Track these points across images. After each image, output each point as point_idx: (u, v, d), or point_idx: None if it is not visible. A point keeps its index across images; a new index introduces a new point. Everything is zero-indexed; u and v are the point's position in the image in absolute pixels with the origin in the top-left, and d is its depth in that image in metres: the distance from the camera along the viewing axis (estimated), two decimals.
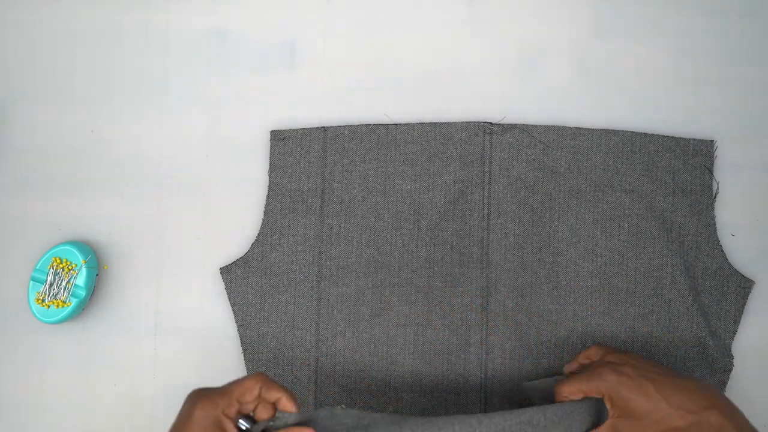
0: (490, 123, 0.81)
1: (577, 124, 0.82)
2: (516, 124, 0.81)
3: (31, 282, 0.79)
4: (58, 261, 0.79)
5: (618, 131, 0.80)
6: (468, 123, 0.81)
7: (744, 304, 0.80)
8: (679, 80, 0.82)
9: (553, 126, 0.81)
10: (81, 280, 0.79)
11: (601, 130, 0.80)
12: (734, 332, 0.80)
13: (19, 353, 0.82)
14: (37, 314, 0.79)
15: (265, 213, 0.81)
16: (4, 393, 0.82)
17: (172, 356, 0.82)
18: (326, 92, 0.83)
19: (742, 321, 0.80)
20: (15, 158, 0.83)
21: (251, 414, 0.63)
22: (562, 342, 0.80)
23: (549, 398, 0.72)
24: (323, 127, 0.81)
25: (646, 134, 0.80)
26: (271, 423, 0.62)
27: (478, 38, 0.83)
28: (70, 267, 0.79)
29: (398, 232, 0.81)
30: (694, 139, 0.81)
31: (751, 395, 0.78)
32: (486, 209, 0.80)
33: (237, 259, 0.81)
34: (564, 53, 0.83)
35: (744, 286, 0.80)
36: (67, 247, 0.79)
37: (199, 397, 0.61)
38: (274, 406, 0.63)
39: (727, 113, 0.82)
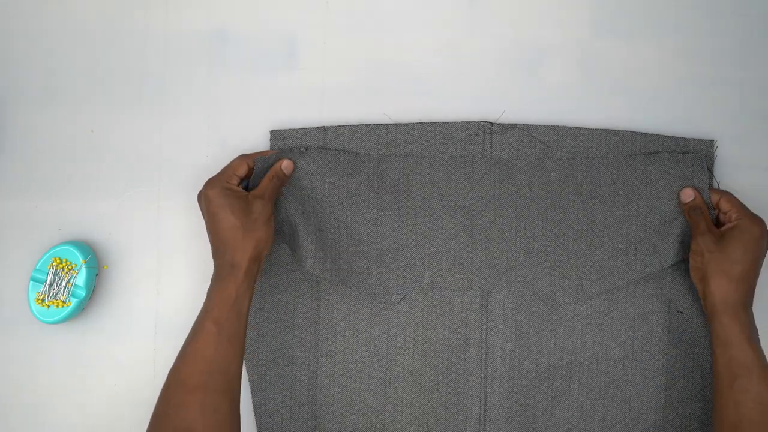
0: (490, 123, 0.81)
1: (577, 124, 0.82)
2: (516, 124, 0.81)
3: (31, 282, 0.79)
4: (58, 261, 0.79)
5: (618, 131, 0.80)
6: (468, 123, 0.81)
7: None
8: (679, 80, 0.82)
9: (553, 126, 0.81)
10: (81, 280, 0.79)
11: (601, 130, 0.80)
12: None
13: (19, 353, 0.82)
14: (37, 314, 0.79)
15: None
16: (4, 393, 0.82)
17: (172, 356, 0.82)
18: (326, 92, 0.83)
19: None
20: (15, 158, 0.83)
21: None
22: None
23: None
24: (323, 127, 0.81)
25: (645, 134, 0.80)
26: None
27: (478, 38, 0.83)
28: (70, 267, 0.79)
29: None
30: (694, 139, 0.80)
31: None
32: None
33: None
34: (564, 53, 0.83)
35: None
36: (67, 247, 0.79)
37: (205, 185, 0.74)
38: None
39: (727, 113, 0.82)
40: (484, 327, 0.79)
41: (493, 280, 0.80)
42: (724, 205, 0.76)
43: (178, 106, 0.83)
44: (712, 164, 0.80)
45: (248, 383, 0.81)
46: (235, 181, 0.76)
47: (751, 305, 0.73)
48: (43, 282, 0.79)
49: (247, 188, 0.78)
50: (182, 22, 0.83)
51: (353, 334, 0.80)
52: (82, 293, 0.79)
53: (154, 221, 0.82)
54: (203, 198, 0.74)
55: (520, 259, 0.80)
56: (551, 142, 0.80)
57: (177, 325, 0.82)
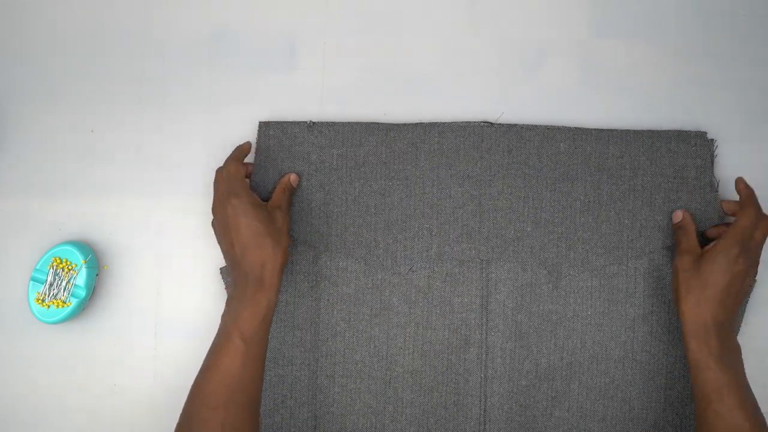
0: (490, 122, 0.81)
1: (576, 124, 0.82)
2: (515, 124, 0.81)
3: (31, 282, 0.79)
4: (58, 261, 0.79)
5: (615, 130, 0.80)
6: (468, 123, 0.81)
7: (745, 304, 0.80)
8: (678, 80, 0.82)
9: (552, 126, 0.81)
10: (81, 280, 0.79)
11: (598, 129, 0.80)
12: (736, 332, 0.79)
13: (19, 353, 0.82)
14: (37, 314, 0.79)
15: None
16: (4, 393, 0.82)
17: (172, 356, 0.82)
18: (326, 92, 0.83)
19: (743, 321, 0.80)
20: (15, 158, 0.83)
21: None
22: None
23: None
24: (312, 122, 0.81)
25: (644, 130, 0.80)
26: None
27: (478, 38, 0.83)
28: (70, 267, 0.79)
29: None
30: (694, 132, 0.80)
31: None
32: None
33: None
34: (564, 53, 0.83)
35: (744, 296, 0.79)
36: (67, 247, 0.79)
37: (228, 194, 0.72)
38: None
39: (728, 113, 0.82)
40: (484, 327, 0.79)
41: (500, 249, 0.80)
42: (712, 233, 0.77)
43: (178, 106, 0.83)
44: (713, 161, 0.80)
45: None
46: (244, 170, 0.77)
47: (729, 326, 0.72)
48: (43, 282, 0.79)
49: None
50: (182, 22, 0.83)
51: (353, 335, 0.80)
52: (82, 293, 0.79)
53: (154, 221, 0.82)
54: (229, 207, 0.72)
55: (528, 229, 0.80)
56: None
57: (177, 325, 0.82)
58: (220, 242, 0.75)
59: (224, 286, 0.81)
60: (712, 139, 0.81)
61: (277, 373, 0.80)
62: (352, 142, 0.80)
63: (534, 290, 0.80)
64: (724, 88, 0.82)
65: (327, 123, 0.81)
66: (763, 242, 0.75)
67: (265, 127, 0.81)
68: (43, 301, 0.79)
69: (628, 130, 0.80)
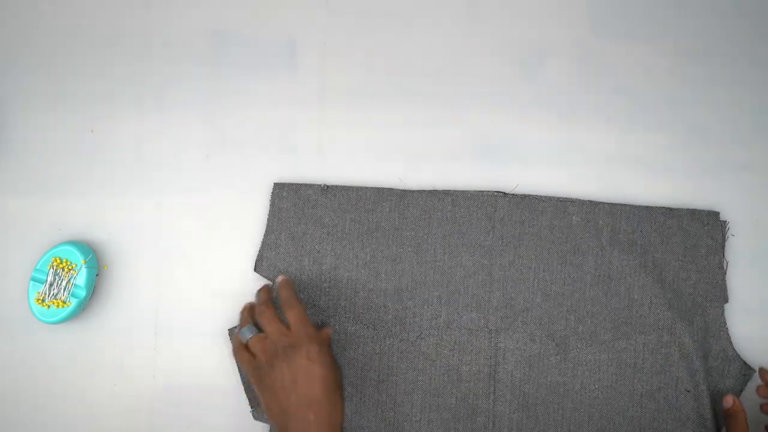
0: (503, 192, 0.81)
1: (576, 124, 0.82)
2: (527, 195, 0.81)
3: (31, 282, 0.79)
4: (58, 261, 0.79)
5: (627, 205, 0.80)
6: (481, 192, 0.81)
7: (742, 390, 0.79)
8: (678, 80, 0.82)
9: (566, 199, 0.80)
10: (81, 280, 0.79)
11: (609, 203, 0.80)
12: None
13: (19, 353, 0.82)
14: (37, 314, 0.79)
15: (274, 274, 0.80)
16: (4, 393, 0.82)
17: (172, 356, 0.82)
18: (326, 92, 0.83)
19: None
20: (15, 158, 0.83)
21: None
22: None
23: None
24: (326, 185, 0.81)
25: (656, 207, 0.80)
26: None
27: (478, 38, 0.83)
28: (70, 267, 0.79)
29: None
30: (707, 212, 0.80)
31: None
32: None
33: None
34: (564, 53, 0.83)
35: (744, 372, 0.79)
36: (67, 247, 0.79)
37: (308, 339, 0.67)
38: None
39: (728, 113, 0.82)
40: (492, 396, 0.79)
41: (509, 320, 0.80)
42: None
43: (178, 106, 0.83)
44: (724, 242, 0.80)
45: None
46: None
47: None
48: (44, 282, 0.79)
49: None
50: (182, 22, 0.83)
51: (360, 399, 0.80)
52: (82, 293, 0.79)
53: (154, 221, 0.82)
54: (306, 352, 0.66)
55: (537, 300, 0.80)
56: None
57: (177, 326, 0.82)
58: (272, 397, 0.67)
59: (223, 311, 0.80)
60: (724, 221, 0.80)
61: None
62: (366, 207, 0.81)
63: (542, 361, 0.79)
64: (724, 88, 0.82)
65: (341, 187, 0.81)
66: None
67: (278, 188, 0.81)
68: (43, 301, 0.79)
69: (641, 206, 0.80)
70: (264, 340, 0.70)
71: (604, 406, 0.79)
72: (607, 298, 0.80)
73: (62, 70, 0.83)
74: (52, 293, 0.79)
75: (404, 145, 0.83)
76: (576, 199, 0.81)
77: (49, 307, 0.79)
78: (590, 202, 0.80)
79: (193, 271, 0.82)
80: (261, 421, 0.79)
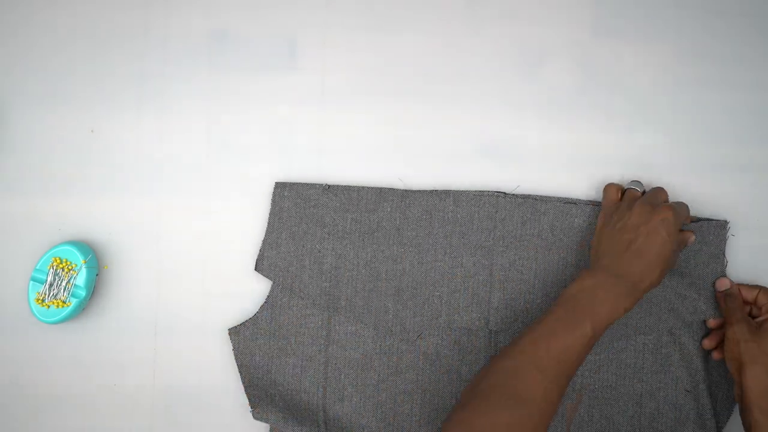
0: (504, 193, 0.81)
1: (576, 124, 0.82)
2: (529, 195, 0.80)
3: (31, 282, 0.79)
4: (58, 261, 0.79)
5: None
6: (482, 192, 0.80)
7: None
8: (678, 80, 0.82)
9: (569, 201, 0.80)
10: (81, 280, 0.79)
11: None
12: (728, 417, 0.79)
13: (19, 353, 0.82)
14: (37, 314, 0.79)
15: (275, 274, 0.81)
16: (4, 393, 0.82)
17: (172, 356, 0.82)
18: (326, 92, 0.83)
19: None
20: (15, 158, 0.83)
21: None
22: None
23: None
24: (327, 185, 0.81)
25: None
26: None
27: (478, 38, 0.83)
28: (70, 267, 0.79)
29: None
30: (708, 220, 0.80)
31: None
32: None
33: (246, 321, 0.80)
34: (564, 53, 0.83)
35: None
36: (67, 247, 0.79)
37: (673, 211, 0.73)
38: None
39: (728, 113, 0.82)
40: None
41: (510, 320, 0.79)
42: (762, 299, 0.76)
43: (178, 106, 0.83)
44: (724, 244, 0.80)
45: None
46: None
47: None
48: (43, 282, 0.79)
49: None
50: (182, 22, 0.83)
51: (360, 400, 0.80)
52: (83, 293, 0.79)
53: (153, 221, 0.82)
54: (663, 212, 0.72)
55: (538, 301, 0.80)
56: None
57: (177, 325, 0.82)
58: (620, 233, 0.73)
59: (231, 346, 0.80)
60: (725, 221, 0.80)
61: None
62: (367, 207, 0.80)
63: None
64: (725, 88, 0.82)
65: (342, 186, 0.81)
66: None
67: (280, 188, 0.81)
68: (43, 301, 0.79)
69: None
70: (639, 197, 0.76)
71: (605, 406, 0.79)
72: None
73: (62, 70, 0.83)
74: (51, 293, 0.79)
75: (404, 144, 0.83)
76: (578, 200, 0.80)
77: (49, 307, 0.79)
78: (593, 203, 0.80)
79: (193, 271, 0.82)
80: (261, 421, 0.79)
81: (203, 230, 0.82)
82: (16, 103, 0.83)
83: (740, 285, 0.78)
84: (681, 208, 0.75)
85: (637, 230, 0.72)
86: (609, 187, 0.79)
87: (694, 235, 0.78)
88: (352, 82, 0.83)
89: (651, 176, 0.82)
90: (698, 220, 0.80)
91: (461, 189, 0.81)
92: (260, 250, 0.81)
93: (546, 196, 0.80)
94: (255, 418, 0.79)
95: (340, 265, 0.80)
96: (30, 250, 0.82)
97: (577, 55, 0.83)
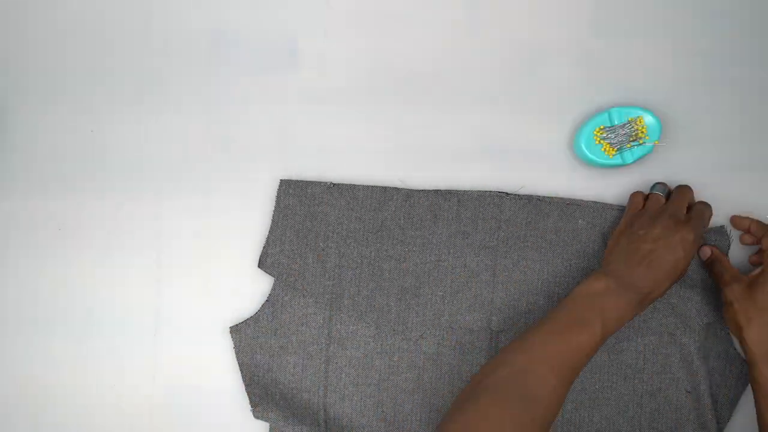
0: (506, 193, 0.81)
1: (576, 124, 0.82)
2: (533, 196, 0.80)
3: (601, 115, 0.79)
4: (641, 123, 0.79)
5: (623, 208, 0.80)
6: (485, 192, 0.80)
7: (743, 390, 0.79)
8: (678, 80, 0.82)
9: (572, 201, 0.80)
10: (639, 150, 0.79)
11: (618, 206, 0.80)
12: (729, 418, 0.79)
13: (19, 353, 0.82)
14: (583, 144, 0.79)
15: (278, 271, 0.80)
16: (4, 393, 0.82)
17: (172, 356, 0.82)
18: (326, 92, 0.83)
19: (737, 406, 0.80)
20: (15, 158, 0.83)
21: None
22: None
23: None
24: (335, 183, 0.81)
25: None
26: None
27: (478, 38, 0.83)
28: (644, 132, 0.79)
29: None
30: (714, 228, 0.80)
31: None
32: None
33: (247, 319, 0.80)
34: (564, 53, 0.83)
35: (747, 372, 0.79)
36: (653, 121, 0.79)
37: (691, 226, 0.74)
38: None
39: (728, 113, 0.82)
40: None
41: (512, 321, 0.79)
42: (766, 244, 0.76)
43: (178, 106, 0.83)
44: (728, 248, 0.80)
45: None
46: None
47: None
48: (613, 124, 0.79)
49: None
50: (182, 22, 0.83)
51: (361, 399, 0.80)
52: (628, 158, 0.79)
53: (153, 221, 0.82)
54: (685, 231, 0.72)
55: (540, 302, 0.80)
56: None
57: (177, 325, 0.82)
58: (639, 242, 0.73)
59: (232, 345, 0.81)
60: (722, 227, 0.80)
61: None
62: (371, 206, 0.80)
63: None
64: (725, 88, 0.82)
65: (347, 185, 0.81)
66: None
67: (285, 185, 0.81)
68: (600, 137, 0.78)
69: None
70: (663, 204, 0.76)
71: (605, 407, 0.79)
72: None
73: (62, 70, 0.83)
74: (612, 136, 0.78)
75: (404, 144, 0.83)
76: (581, 201, 0.80)
77: (599, 143, 0.79)
78: (596, 205, 0.80)
79: (194, 270, 0.82)
80: (261, 420, 0.79)
81: (203, 229, 0.82)
82: (16, 103, 0.83)
83: (753, 221, 0.78)
84: (702, 221, 0.75)
85: (656, 243, 0.72)
86: (635, 195, 0.79)
87: (710, 250, 0.78)
88: (352, 82, 0.83)
89: (650, 176, 0.82)
90: None
91: (463, 188, 0.81)
92: (264, 247, 0.81)
93: (549, 197, 0.80)
94: (255, 417, 0.80)
95: (344, 263, 0.80)
96: (30, 250, 0.82)
97: (577, 55, 0.83)
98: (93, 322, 0.82)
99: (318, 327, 0.80)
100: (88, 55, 0.83)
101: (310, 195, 0.81)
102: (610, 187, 0.82)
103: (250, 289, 0.82)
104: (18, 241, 0.83)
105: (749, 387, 0.78)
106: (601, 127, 0.79)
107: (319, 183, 0.81)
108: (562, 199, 0.80)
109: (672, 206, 0.75)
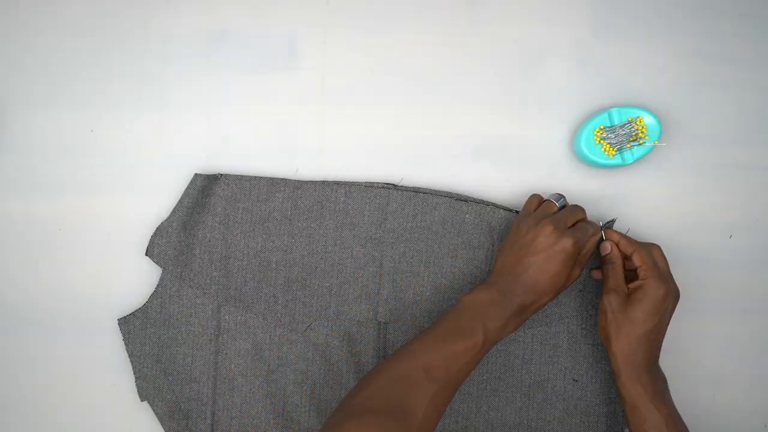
0: (393, 185, 0.81)
1: (576, 124, 0.82)
2: (419, 189, 0.80)
3: (601, 115, 0.79)
4: (641, 122, 0.79)
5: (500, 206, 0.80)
6: (372, 184, 0.80)
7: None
8: (678, 80, 0.82)
9: (460, 197, 0.80)
10: (639, 150, 0.79)
11: (506, 209, 0.80)
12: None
13: (19, 353, 0.82)
14: (583, 143, 0.79)
15: (164, 261, 0.80)
16: (4, 393, 0.82)
17: None
18: (326, 92, 0.83)
19: None
20: (15, 158, 0.83)
21: None
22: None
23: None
24: (222, 174, 0.80)
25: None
26: None
27: (478, 38, 0.83)
28: (644, 133, 0.79)
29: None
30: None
31: None
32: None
33: (135, 310, 0.80)
34: (564, 53, 0.83)
35: None
36: (653, 121, 0.79)
37: (567, 235, 0.72)
38: None
39: (728, 113, 0.82)
40: None
41: (399, 312, 0.79)
42: (636, 261, 0.75)
43: (178, 106, 0.83)
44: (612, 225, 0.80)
45: None
46: None
47: (656, 360, 0.74)
48: (614, 124, 0.79)
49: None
50: (182, 22, 0.83)
51: (250, 390, 0.80)
52: (628, 158, 0.79)
53: (153, 221, 0.82)
54: (564, 242, 0.72)
55: (427, 294, 0.80)
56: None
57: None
58: (523, 254, 0.73)
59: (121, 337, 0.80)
60: (611, 221, 0.80)
61: (171, 427, 0.79)
62: (258, 197, 0.80)
63: None
64: (724, 88, 0.82)
65: (234, 176, 0.80)
66: (667, 267, 0.75)
67: (195, 178, 0.80)
68: (600, 137, 0.79)
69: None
70: (556, 213, 0.75)
71: (492, 397, 0.80)
72: None
73: (62, 70, 0.83)
74: (612, 136, 0.79)
75: (404, 144, 0.83)
76: (468, 197, 0.80)
77: (599, 143, 0.79)
78: (484, 203, 0.80)
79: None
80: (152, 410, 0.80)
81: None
82: (16, 103, 0.83)
83: (621, 238, 0.77)
84: (584, 236, 0.74)
85: (536, 255, 0.72)
86: (532, 197, 0.78)
87: (610, 246, 0.76)
88: (352, 82, 0.83)
89: (650, 176, 0.82)
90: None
91: (399, 184, 0.81)
92: (150, 239, 0.80)
93: (437, 191, 0.80)
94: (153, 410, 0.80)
95: (230, 254, 0.80)
96: (30, 249, 0.82)
97: (577, 55, 0.83)
98: (92, 322, 0.82)
99: (207, 318, 0.80)
100: (88, 55, 0.83)
101: (198, 187, 0.80)
102: (610, 187, 0.82)
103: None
104: (18, 241, 0.82)
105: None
106: (601, 127, 0.79)
107: (207, 175, 0.80)
108: (449, 193, 0.80)
109: (559, 215, 0.74)
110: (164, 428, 0.80)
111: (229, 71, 0.83)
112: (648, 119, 0.79)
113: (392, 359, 0.69)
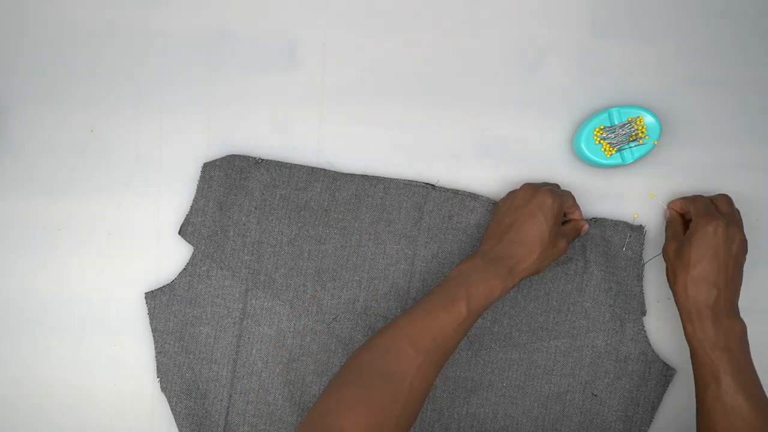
0: (432, 185, 0.80)
1: (576, 124, 0.82)
2: (458, 191, 0.80)
3: (601, 115, 0.79)
4: (641, 122, 0.79)
5: None
6: (411, 182, 0.80)
7: (664, 392, 0.79)
8: (678, 80, 0.82)
9: (498, 201, 0.79)
10: (639, 150, 0.79)
11: None
12: (650, 420, 0.79)
13: (19, 353, 0.82)
14: (583, 144, 0.79)
15: (197, 241, 0.80)
16: (4, 393, 0.82)
17: None
18: (326, 92, 0.83)
19: (659, 408, 0.80)
20: (15, 158, 0.83)
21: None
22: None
23: None
24: (263, 159, 0.80)
25: (587, 219, 0.80)
26: None
27: (478, 38, 0.83)
28: (644, 133, 0.79)
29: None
30: (626, 223, 0.80)
31: None
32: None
33: (163, 286, 0.80)
34: (564, 53, 0.83)
35: (666, 374, 0.79)
36: (653, 121, 0.79)
37: (549, 192, 0.73)
38: None
39: (728, 113, 0.82)
40: None
41: None
42: (691, 210, 0.76)
43: (178, 106, 0.83)
44: (642, 248, 0.80)
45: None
46: None
47: (727, 305, 0.72)
48: (613, 124, 0.79)
49: None
50: (182, 22, 0.83)
51: (269, 376, 0.80)
52: (628, 158, 0.79)
53: (154, 221, 0.82)
54: (542, 196, 0.72)
55: None
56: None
57: None
58: (503, 217, 0.74)
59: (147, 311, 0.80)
60: (641, 226, 0.80)
61: (188, 406, 0.79)
62: (297, 185, 0.80)
63: (452, 356, 0.78)
64: (724, 88, 0.82)
65: (275, 162, 0.80)
66: (732, 212, 0.75)
67: (209, 167, 0.80)
68: (600, 137, 0.79)
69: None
70: (552, 193, 0.74)
71: (510, 405, 0.79)
72: (525, 302, 0.79)
73: (62, 70, 0.83)
74: (612, 136, 0.79)
75: (404, 144, 0.83)
76: None
77: (598, 143, 0.79)
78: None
79: None
80: (164, 392, 0.80)
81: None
82: (16, 103, 0.83)
83: (683, 201, 0.78)
84: (564, 194, 0.75)
85: (516, 213, 0.73)
86: (524, 186, 0.78)
87: (588, 225, 0.78)
88: (352, 82, 0.83)
89: (650, 176, 0.82)
90: (617, 222, 0.80)
91: (391, 177, 0.81)
92: (186, 216, 0.80)
93: (477, 194, 0.80)
94: (161, 388, 0.80)
95: (264, 239, 0.80)
96: (30, 250, 0.82)
97: (577, 55, 0.83)
98: (92, 322, 0.82)
99: (233, 300, 0.80)
100: (88, 55, 0.83)
101: (237, 168, 0.80)
102: (610, 187, 0.82)
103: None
104: (18, 241, 0.82)
105: (669, 391, 0.79)
106: (601, 127, 0.79)
107: (247, 157, 0.80)
108: (489, 198, 0.80)
109: (534, 183, 0.76)
110: (179, 407, 0.79)
111: (229, 71, 0.83)
112: (648, 119, 0.79)
113: (379, 333, 0.69)
